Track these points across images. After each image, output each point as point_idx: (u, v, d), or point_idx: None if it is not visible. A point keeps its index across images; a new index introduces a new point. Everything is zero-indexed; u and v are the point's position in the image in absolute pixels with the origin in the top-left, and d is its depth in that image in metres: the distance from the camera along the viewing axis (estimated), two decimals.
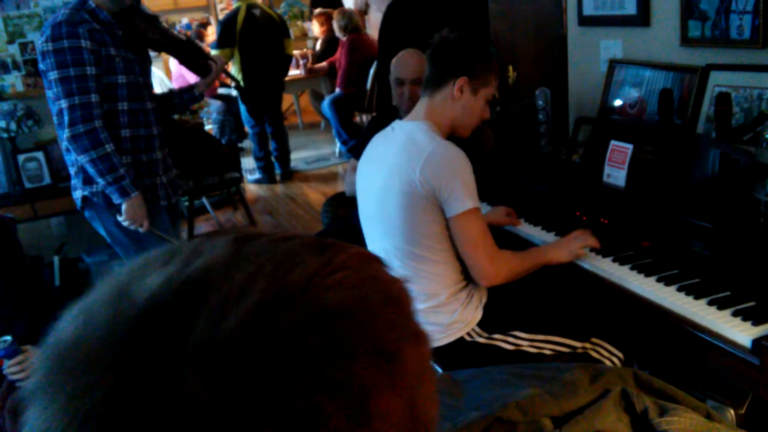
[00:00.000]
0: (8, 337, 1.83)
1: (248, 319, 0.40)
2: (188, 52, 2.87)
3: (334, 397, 0.40)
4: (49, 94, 2.50)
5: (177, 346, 0.39)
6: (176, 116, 4.85)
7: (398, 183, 1.93)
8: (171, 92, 3.01)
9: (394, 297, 0.48)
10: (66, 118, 2.43)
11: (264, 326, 0.40)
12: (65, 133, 2.46)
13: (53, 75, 2.43)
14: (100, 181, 2.51)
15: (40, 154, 3.79)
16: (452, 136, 2.07)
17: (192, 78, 5.91)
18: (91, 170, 2.50)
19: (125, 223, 2.58)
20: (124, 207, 2.55)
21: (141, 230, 2.60)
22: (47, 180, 3.80)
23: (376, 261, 0.51)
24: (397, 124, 2.09)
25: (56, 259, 3.92)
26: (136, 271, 0.45)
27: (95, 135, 2.44)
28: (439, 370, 1.97)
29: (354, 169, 2.86)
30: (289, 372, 0.39)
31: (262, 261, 0.44)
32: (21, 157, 3.77)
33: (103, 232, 2.73)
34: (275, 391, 0.39)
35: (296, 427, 0.39)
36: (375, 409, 0.42)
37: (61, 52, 2.41)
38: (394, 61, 2.79)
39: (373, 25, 6.81)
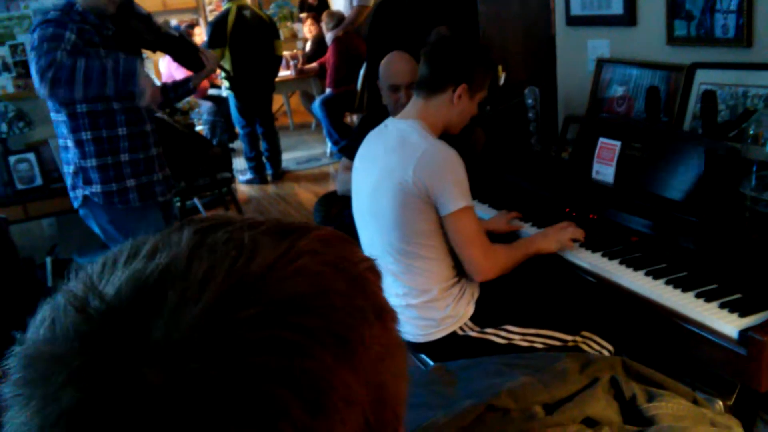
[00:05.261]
0: None
1: (204, 316, 0.41)
2: (182, 49, 2.88)
3: (291, 389, 0.40)
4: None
5: (137, 346, 0.40)
6: (167, 117, 4.86)
7: (391, 181, 1.95)
8: (165, 86, 3.01)
9: (356, 279, 0.48)
10: (36, 80, 2.40)
11: (219, 322, 0.41)
12: (43, 92, 2.42)
13: (33, 61, 2.42)
14: (110, 90, 2.46)
15: (31, 155, 3.79)
16: (442, 133, 2.09)
17: (182, 77, 5.91)
18: (97, 91, 2.45)
19: (145, 94, 2.54)
20: (141, 79, 2.50)
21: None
22: (39, 181, 3.79)
23: (342, 242, 0.51)
24: (390, 121, 2.11)
25: (48, 260, 3.91)
26: (105, 267, 0.46)
27: (63, 64, 2.37)
28: (431, 362, 2.00)
29: (346, 168, 2.88)
30: (244, 367, 0.40)
31: (222, 253, 0.45)
32: (12, 159, 3.77)
33: (97, 230, 2.74)
34: (232, 385, 0.39)
35: (255, 419, 0.39)
36: (334, 397, 0.42)
37: (43, 38, 2.41)
38: (384, 66, 2.77)
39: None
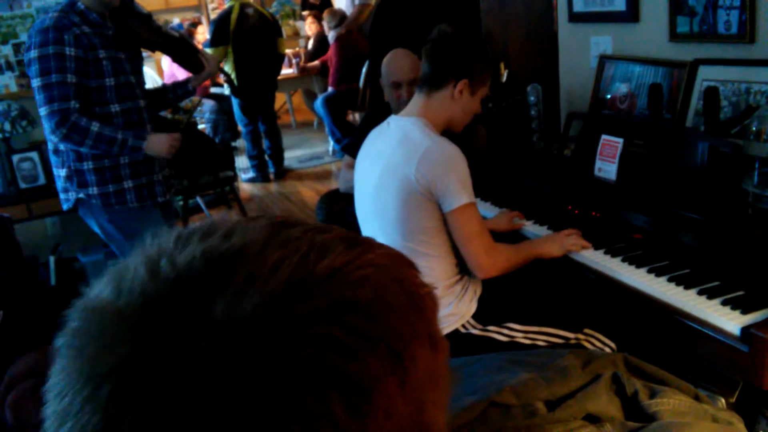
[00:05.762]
0: None
1: (267, 302, 0.42)
2: (181, 50, 2.88)
3: (339, 390, 0.41)
4: (35, 96, 2.52)
5: (196, 319, 0.41)
6: (170, 116, 4.86)
7: (394, 179, 1.95)
8: (165, 87, 3.03)
9: (416, 301, 0.49)
10: (47, 126, 2.46)
11: (281, 311, 0.41)
12: (54, 139, 2.49)
13: (37, 82, 2.45)
14: (114, 154, 2.57)
15: (34, 154, 3.80)
16: (444, 131, 2.09)
17: (183, 77, 5.93)
18: (98, 152, 2.54)
19: (163, 156, 2.67)
20: (150, 153, 2.62)
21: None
22: (42, 180, 3.81)
23: (407, 264, 0.52)
24: (392, 119, 2.11)
25: (51, 258, 3.92)
26: (179, 239, 0.47)
27: (78, 126, 2.45)
28: None
29: (348, 165, 2.88)
30: (297, 359, 0.40)
31: (294, 247, 0.46)
32: (15, 158, 3.78)
33: (96, 229, 2.75)
34: (282, 376, 0.40)
35: (298, 414, 0.40)
36: (378, 407, 0.42)
37: (45, 58, 2.42)
38: (386, 63, 2.77)
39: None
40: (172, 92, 2.97)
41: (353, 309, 0.44)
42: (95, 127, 2.48)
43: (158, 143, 2.62)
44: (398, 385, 0.44)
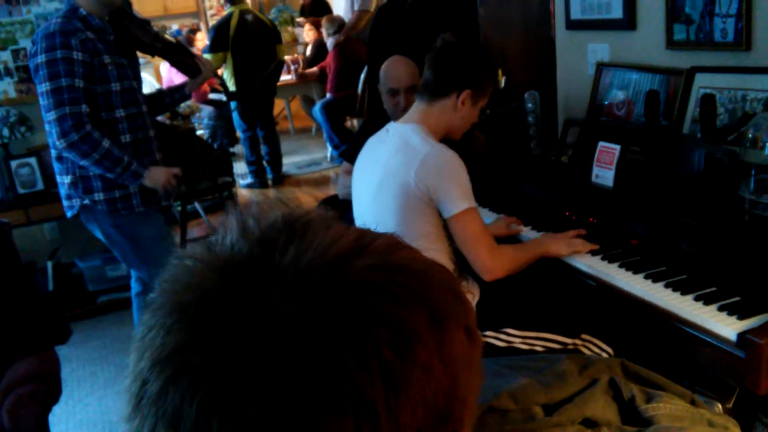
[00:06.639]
0: None
1: (327, 256, 0.49)
2: (178, 55, 2.93)
3: (387, 330, 0.46)
4: (42, 101, 2.51)
5: (270, 267, 0.49)
6: (168, 121, 4.88)
7: (393, 184, 1.96)
8: (161, 92, 3.05)
9: (458, 293, 0.54)
10: (57, 129, 2.43)
11: (338, 263, 0.49)
12: (60, 144, 2.46)
13: (45, 87, 2.44)
14: (111, 176, 2.55)
15: (32, 160, 3.80)
16: (443, 138, 2.10)
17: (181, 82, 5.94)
18: (97, 170, 2.53)
19: (158, 188, 2.67)
20: (146, 183, 2.63)
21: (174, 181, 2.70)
22: (40, 185, 3.81)
23: (446, 268, 0.56)
24: (391, 126, 2.12)
25: (50, 264, 3.92)
26: (263, 212, 0.56)
27: (90, 138, 2.45)
28: None
29: (346, 172, 2.89)
30: (349, 300, 0.47)
31: (354, 228, 0.54)
32: (14, 163, 3.78)
33: (99, 235, 2.75)
34: (340, 315, 0.46)
35: (351, 348, 0.45)
36: (418, 358, 0.47)
37: (54, 63, 2.41)
38: (384, 70, 2.78)
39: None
40: (168, 97, 3.00)
41: (403, 270, 0.50)
42: (106, 143, 2.48)
43: (158, 176, 2.64)
44: (437, 347, 0.48)
